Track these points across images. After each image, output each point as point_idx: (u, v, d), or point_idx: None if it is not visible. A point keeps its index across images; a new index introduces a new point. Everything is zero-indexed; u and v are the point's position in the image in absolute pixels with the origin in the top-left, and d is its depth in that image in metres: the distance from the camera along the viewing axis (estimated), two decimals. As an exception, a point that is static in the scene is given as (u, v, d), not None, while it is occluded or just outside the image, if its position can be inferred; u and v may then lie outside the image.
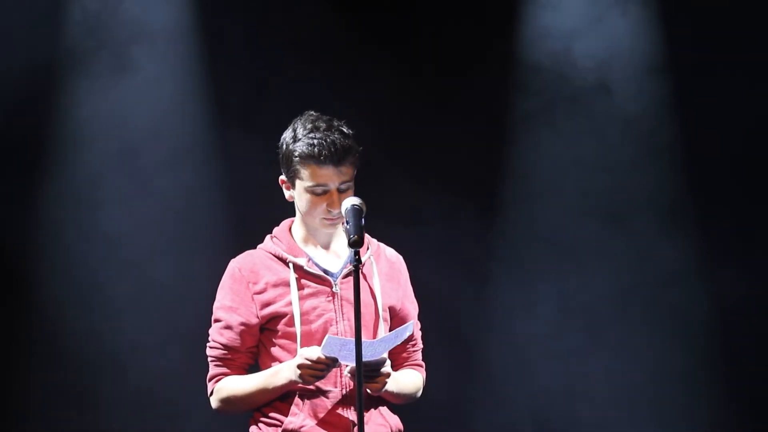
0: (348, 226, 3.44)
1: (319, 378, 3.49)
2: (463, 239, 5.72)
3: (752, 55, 5.64)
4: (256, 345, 3.64)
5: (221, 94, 5.63)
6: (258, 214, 5.07)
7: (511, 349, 5.75)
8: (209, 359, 3.65)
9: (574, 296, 5.74)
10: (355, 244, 3.37)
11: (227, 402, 3.61)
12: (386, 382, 3.51)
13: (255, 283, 3.62)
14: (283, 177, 3.66)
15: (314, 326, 3.59)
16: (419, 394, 3.76)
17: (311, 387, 3.57)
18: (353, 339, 3.35)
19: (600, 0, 5.75)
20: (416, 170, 5.74)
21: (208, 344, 3.66)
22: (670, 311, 5.71)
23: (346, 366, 3.52)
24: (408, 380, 3.70)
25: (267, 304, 3.60)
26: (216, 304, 3.66)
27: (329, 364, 3.45)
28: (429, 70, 5.77)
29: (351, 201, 3.50)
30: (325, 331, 3.58)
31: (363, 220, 3.48)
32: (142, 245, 5.53)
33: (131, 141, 5.55)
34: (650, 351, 5.72)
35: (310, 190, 3.57)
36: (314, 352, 3.45)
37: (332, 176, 3.55)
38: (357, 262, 3.34)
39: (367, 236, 3.73)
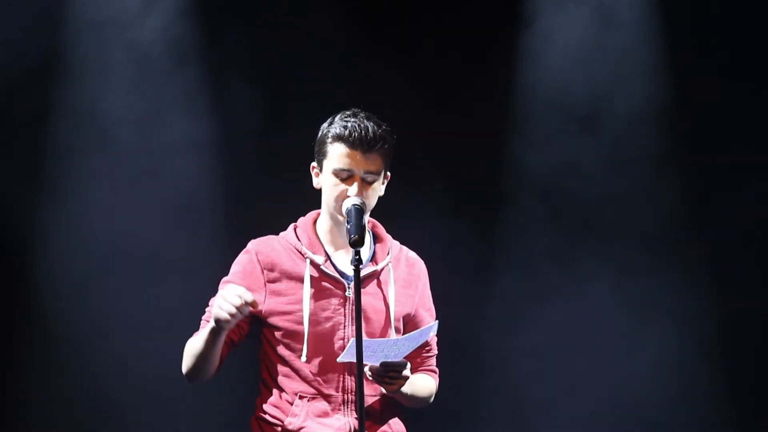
0: (349, 226, 3.44)
1: (227, 315, 3.31)
2: (465, 240, 5.72)
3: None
4: (247, 323, 3.58)
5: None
6: (259, 214, 5.08)
7: (517, 355, 5.74)
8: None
9: (580, 299, 5.73)
10: (356, 243, 3.36)
11: (186, 361, 3.56)
12: (403, 384, 3.51)
13: (270, 271, 3.60)
14: (314, 163, 3.68)
15: (322, 328, 3.57)
16: (431, 399, 3.77)
17: (313, 390, 3.56)
18: (378, 339, 3.39)
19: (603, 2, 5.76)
20: (417, 170, 5.74)
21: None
22: (677, 316, 5.70)
23: (366, 365, 3.47)
24: (422, 384, 3.71)
25: (277, 294, 3.58)
26: (226, 278, 3.64)
27: (243, 304, 3.30)
28: (429, 69, 5.77)
29: (352, 201, 3.50)
30: (332, 334, 3.57)
31: (364, 220, 3.49)
32: (143, 240, 5.53)
33: (131, 138, 5.56)
34: (660, 357, 5.70)
35: (336, 173, 3.58)
36: (237, 290, 3.33)
37: (359, 161, 3.57)
38: (357, 263, 3.33)
39: (389, 239, 3.74)
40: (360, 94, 5.35)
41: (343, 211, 3.51)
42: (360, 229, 3.41)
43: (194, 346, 3.53)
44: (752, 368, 5.62)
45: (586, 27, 5.75)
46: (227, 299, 3.33)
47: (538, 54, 5.77)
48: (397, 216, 5.04)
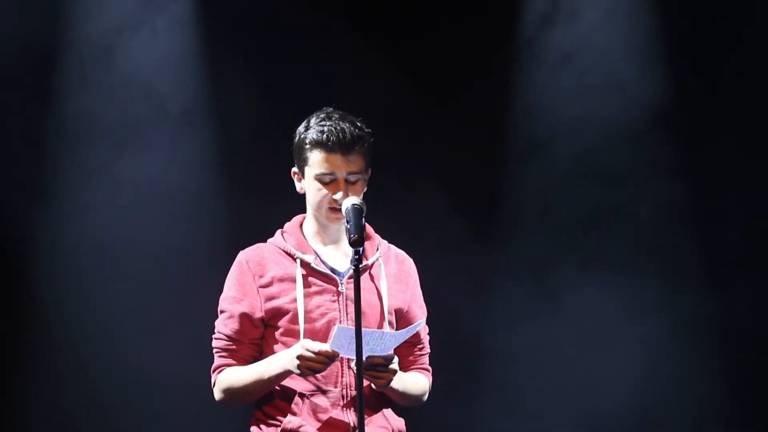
0: (349, 226, 3.44)
1: (317, 371, 3.45)
2: (465, 240, 5.72)
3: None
4: (261, 337, 3.62)
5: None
6: (261, 216, 5.07)
7: (516, 355, 5.73)
8: (214, 350, 3.65)
9: (580, 299, 5.72)
10: (356, 243, 3.36)
11: (227, 393, 3.60)
12: (392, 379, 3.49)
13: (261, 276, 3.61)
14: (295, 168, 3.68)
15: (318, 324, 3.57)
16: (425, 397, 3.74)
17: (311, 386, 3.55)
18: (364, 329, 3.35)
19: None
20: (417, 171, 5.73)
21: (213, 335, 3.66)
22: (679, 318, 5.69)
23: (352, 360, 3.48)
24: (414, 382, 3.69)
25: (271, 298, 3.59)
26: (222, 295, 3.66)
27: (330, 357, 3.42)
28: (429, 70, 5.76)
29: (351, 201, 3.50)
30: (328, 331, 3.56)
31: (363, 219, 3.49)
32: (143, 240, 5.52)
33: (131, 137, 5.56)
34: (660, 357, 5.69)
35: (318, 178, 3.58)
36: (315, 345, 3.43)
37: (340, 164, 3.56)
38: (357, 262, 3.34)
39: (377, 237, 3.74)
40: (361, 95, 5.38)
41: (343, 211, 3.50)
42: (360, 229, 3.41)
43: (247, 382, 3.56)
44: (752, 368, 5.61)
45: (585, 27, 5.75)
46: (317, 360, 3.41)
47: (538, 55, 5.77)
48: (396, 216, 5.04)
